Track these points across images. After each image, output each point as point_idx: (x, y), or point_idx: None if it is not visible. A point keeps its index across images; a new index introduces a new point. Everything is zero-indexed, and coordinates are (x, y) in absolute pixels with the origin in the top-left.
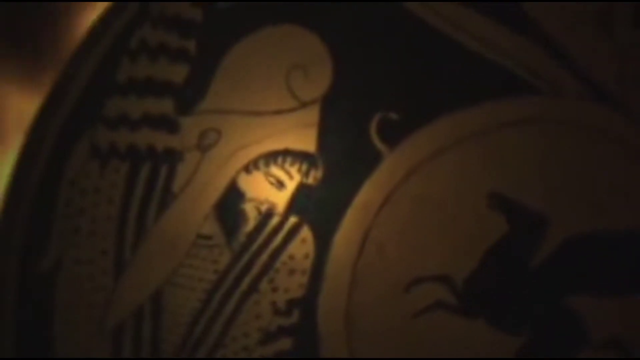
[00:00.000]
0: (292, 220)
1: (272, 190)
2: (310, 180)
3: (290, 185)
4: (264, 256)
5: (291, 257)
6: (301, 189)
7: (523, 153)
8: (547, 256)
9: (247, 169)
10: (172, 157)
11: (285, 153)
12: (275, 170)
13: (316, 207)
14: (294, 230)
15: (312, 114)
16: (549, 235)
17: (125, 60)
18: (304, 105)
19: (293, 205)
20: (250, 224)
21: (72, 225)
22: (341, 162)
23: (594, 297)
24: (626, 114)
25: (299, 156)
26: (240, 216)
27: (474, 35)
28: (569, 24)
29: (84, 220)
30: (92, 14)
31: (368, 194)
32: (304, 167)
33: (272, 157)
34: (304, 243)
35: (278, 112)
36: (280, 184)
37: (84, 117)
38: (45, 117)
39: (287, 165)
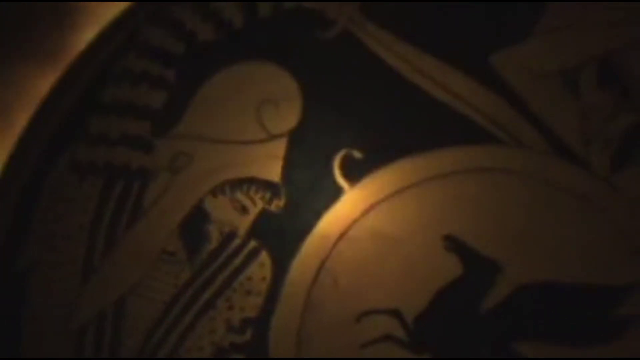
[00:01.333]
0: (252, 244)
1: (235, 214)
2: (272, 208)
3: (253, 212)
4: (223, 275)
5: (249, 279)
6: (263, 215)
7: (481, 200)
8: (499, 301)
9: (213, 192)
10: (145, 175)
11: (251, 181)
12: (240, 196)
13: (276, 234)
14: (253, 254)
15: (279, 147)
16: (501, 281)
17: (110, 84)
18: (272, 137)
19: (254, 230)
20: (212, 244)
21: (49, 230)
22: (303, 194)
23: (543, 345)
24: (586, 170)
25: (264, 185)
26: (203, 236)
27: (440, 83)
28: (535, 82)
29: (60, 227)
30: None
31: (327, 225)
32: (268, 195)
33: (238, 183)
34: (262, 266)
35: (247, 142)
36: (243, 210)
37: (69, 132)
38: (34, 128)
39: (251, 193)
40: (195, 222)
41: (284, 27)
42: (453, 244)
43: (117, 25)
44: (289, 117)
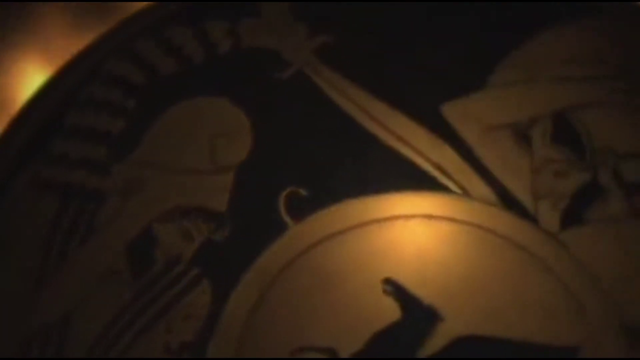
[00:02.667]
0: (195, 271)
1: (181, 241)
2: (217, 237)
3: (198, 240)
4: (164, 299)
5: (189, 304)
6: (207, 244)
7: (425, 247)
8: (435, 351)
9: (162, 218)
10: (99, 197)
11: (198, 210)
12: (187, 224)
13: (218, 264)
14: (195, 281)
15: (228, 179)
16: (440, 331)
17: (75, 109)
18: (221, 170)
19: (198, 258)
20: (157, 268)
21: (7, 241)
22: (248, 227)
23: None
24: (535, 225)
25: (210, 215)
26: (149, 260)
27: (390, 129)
28: (486, 134)
29: (17, 239)
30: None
31: (269, 259)
32: (213, 225)
33: (186, 212)
34: (202, 294)
35: (197, 173)
36: (189, 237)
37: (33, 151)
38: (2, 144)
39: (198, 222)
40: (142, 246)
41: (242, 65)
42: (393, 288)
43: (84, 56)
44: (238, 151)
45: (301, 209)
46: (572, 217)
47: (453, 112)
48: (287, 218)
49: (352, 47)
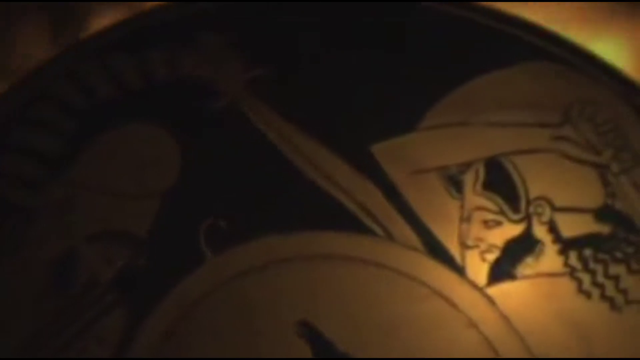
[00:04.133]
0: (112, 296)
1: (102, 264)
2: (136, 263)
3: (118, 264)
4: (81, 321)
5: (104, 328)
6: (126, 270)
7: (343, 290)
8: None
9: (87, 239)
10: (29, 215)
11: (122, 234)
12: (110, 247)
13: (135, 290)
14: (111, 305)
15: (153, 205)
16: None
17: (16, 128)
18: (148, 195)
19: (116, 282)
20: (76, 289)
21: None
22: (167, 255)
23: None
24: (461, 276)
25: (132, 240)
26: (70, 281)
27: (318, 166)
28: (415, 177)
29: None
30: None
31: (184, 290)
32: (134, 251)
33: (110, 235)
34: (117, 319)
35: (125, 197)
36: (110, 261)
37: None
38: None
39: (120, 245)
40: (65, 266)
41: (177, 94)
42: (307, 331)
43: (30, 77)
44: (166, 178)
45: (221, 241)
46: (501, 270)
47: (383, 152)
48: (206, 249)
49: (287, 81)
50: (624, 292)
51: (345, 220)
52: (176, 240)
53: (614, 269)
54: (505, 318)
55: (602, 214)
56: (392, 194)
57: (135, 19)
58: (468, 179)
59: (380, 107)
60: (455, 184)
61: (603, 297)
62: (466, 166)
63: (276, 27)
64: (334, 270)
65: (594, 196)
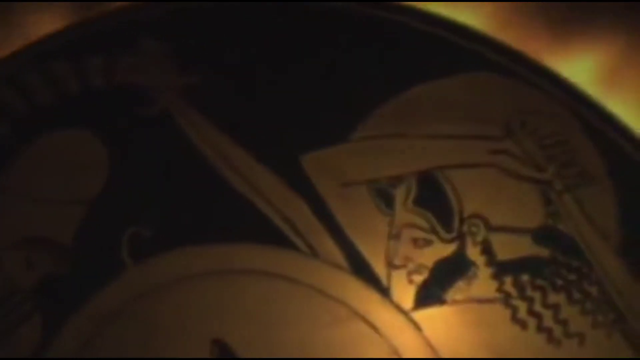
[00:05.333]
0: (30, 303)
1: (22, 271)
2: (57, 271)
3: (40, 272)
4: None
5: (20, 337)
6: (47, 277)
7: (261, 307)
8: None
9: (10, 246)
10: None
11: (45, 241)
12: (32, 254)
13: (54, 298)
14: (28, 314)
15: (78, 212)
16: None
17: None
18: (73, 202)
19: (35, 290)
20: None
21: None
22: (89, 263)
23: None
24: (386, 298)
25: (55, 247)
26: None
27: (245, 177)
28: (343, 191)
29: None
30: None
31: (101, 301)
32: (56, 258)
33: (34, 241)
34: (33, 328)
35: (51, 203)
36: (31, 268)
37: None
38: None
39: (43, 253)
40: None
41: (112, 100)
42: (220, 350)
43: None
44: (93, 185)
45: (143, 251)
46: (429, 293)
47: (312, 164)
48: (127, 259)
49: (220, 89)
50: (563, 323)
51: (268, 234)
52: (99, 248)
53: (553, 298)
54: (430, 346)
55: (541, 235)
56: (319, 207)
57: (77, 26)
58: (399, 193)
59: (312, 117)
60: (385, 199)
61: (540, 328)
62: (398, 180)
63: (212, 36)
64: (251, 286)
65: (533, 216)
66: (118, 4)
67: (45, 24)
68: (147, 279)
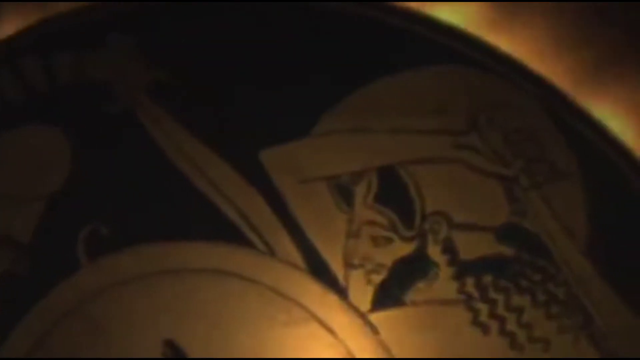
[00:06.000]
0: None
1: None
2: (16, 270)
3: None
4: None
5: None
6: (6, 276)
7: (214, 307)
8: None
9: None
10: None
11: (6, 239)
12: None
13: (9, 298)
14: None
15: (38, 209)
16: None
17: None
18: (34, 198)
19: None
20: None
21: None
22: (46, 261)
23: None
24: (343, 299)
25: (14, 245)
26: None
27: (205, 174)
28: (302, 187)
29: None
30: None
31: (56, 298)
32: (15, 256)
33: None
34: None
35: (11, 199)
36: None
37: None
38: None
39: (3, 250)
40: None
41: (78, 97)
42: (171, 351)
43: None
44: (53, 182)
45: (99, 249)
46: (388, 294)
47: (272, 160)
48: (83, 257)
49: (183, 86)
50: (527, 327)
51: (225, 231)
52: (57, 246)
53: (517, 300)
54: (387, 350)
55: (506, 233)
56: (278, 204)
57: (45, 23)
58: (359, 190)
59: (274, 112)
60: (345, 196)
61: (502, 332)
62: (358, 176)
63: (178, 33)
64: (205, 285)
65: (498, 213)
66: (75, 3)
67: (8, 23)
68: (100, 278)
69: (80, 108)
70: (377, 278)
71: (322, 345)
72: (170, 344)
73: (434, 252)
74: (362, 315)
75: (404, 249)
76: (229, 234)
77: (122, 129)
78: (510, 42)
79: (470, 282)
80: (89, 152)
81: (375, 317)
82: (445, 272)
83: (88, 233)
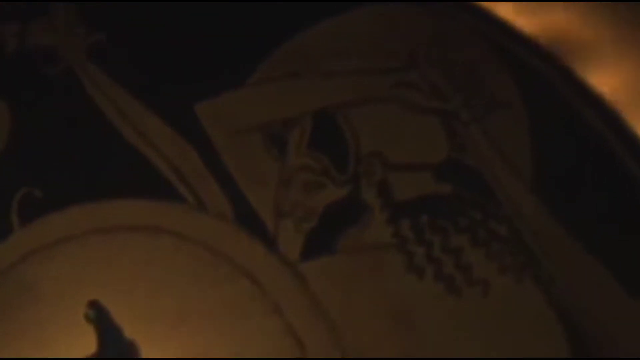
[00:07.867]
0: None
1: None
2: None
3: None
4: None
5: None
6: None
7: (142, 265)
8: None
9: None
10: None
11: None
12: None
13: None
14: None
15: None
16: None
17: None
18: None
19: None
20: None
21: None
22: None
23: None
24: (272, 250)
25: None
26: None
27: (138, 129)
28: (235, 137)
29: None
30: None
31: None
32: None
33: None
34: None
35: None
36: None
37: None
38: None
39: None
40: None
41: (22, 63)
42: (96, 313)
43: None
44: None
45: (33, 212)
46: (318, 242)
47: (206, 112)
48: (15, 219)
49: (122, 46)
50: (465, 269)
51: (158, 187)
52: None
53: (456, 240)
54: (316, 302)
55: (444, 171)
56: (210, 156)
57: None
58: (293, 137)
59: (209, 65)
60: (278, 144)
61: (439, 275)
62: (292, 122)
63: None
64: (134, 244)
65: (436, 150)
66: None
67: None
68: (30, 241)
69: (23, 73)
70: (307, 226)
71: (250, 300)
72: (93, 305)
73: (369, 195)
74: (292, 266)
75: (336, 194)
76: (161, 188)
77: (62, 90)
78: None
79: (405, 224)
80: (28, 115)
81: (305, 267)
82: (379, 215)
83: (22, 196)
